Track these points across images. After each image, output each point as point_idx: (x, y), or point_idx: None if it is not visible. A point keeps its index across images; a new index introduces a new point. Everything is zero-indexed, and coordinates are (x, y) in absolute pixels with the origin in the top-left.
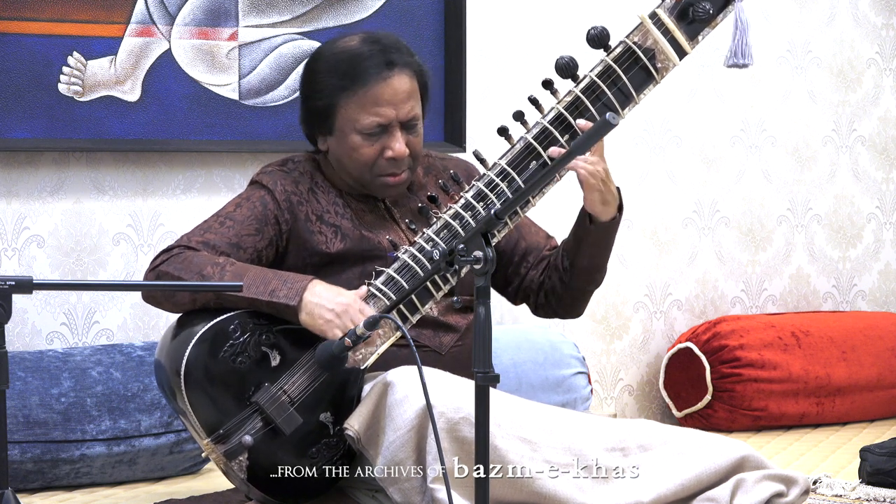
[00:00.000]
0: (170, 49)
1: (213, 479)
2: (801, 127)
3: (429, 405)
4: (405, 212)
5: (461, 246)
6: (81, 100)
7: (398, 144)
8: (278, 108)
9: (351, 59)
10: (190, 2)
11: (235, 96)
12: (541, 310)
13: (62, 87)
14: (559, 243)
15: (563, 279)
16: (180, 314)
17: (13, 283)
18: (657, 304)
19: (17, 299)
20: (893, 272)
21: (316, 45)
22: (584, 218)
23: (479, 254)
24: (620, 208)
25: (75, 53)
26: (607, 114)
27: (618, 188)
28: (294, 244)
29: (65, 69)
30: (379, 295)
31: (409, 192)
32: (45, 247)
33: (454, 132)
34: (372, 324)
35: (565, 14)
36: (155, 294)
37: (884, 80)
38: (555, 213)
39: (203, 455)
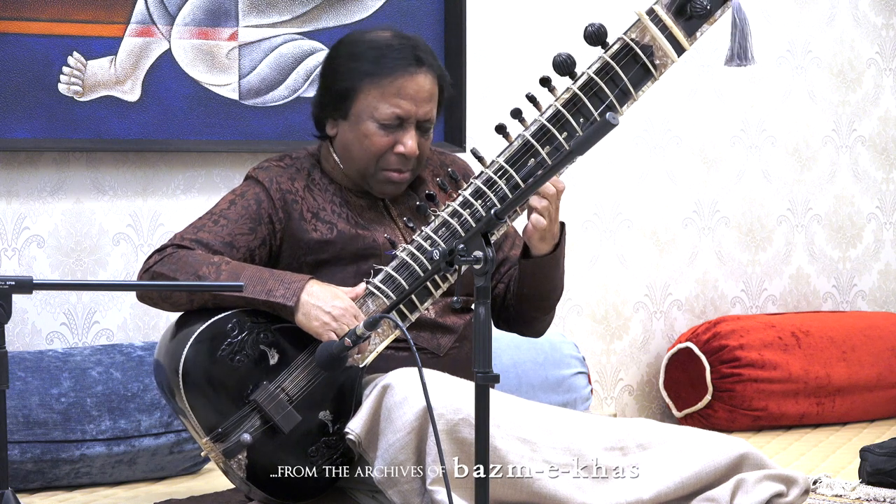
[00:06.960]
0: (170, 49)
1: (213, 479)
2: (801, 127)
3: (429, 407)
4: (404, 210)
5: (461, 246)
6: (81, 100)
7: (410, 142)
8: (278, 108)
9: (380, 48)
10: (190, 2)
11: (235, 96)
12: (502, 323)
13: (62, 87)
14: None
15: (514, 302)
16: (179, 314)
17: (13, 283)
18: (657, 304)
19: (17, 299)
20: (893, 272)
21: (316, 45)
22: (523, 250)
23: (479, 254)
24: (558, 245)
25: (75, 53)
26: (607, 114)
27: (562, 224)
28: (288, 243)
29: (65, 69)
30: (377, 293)
31: (410, 189)
32: (45, 247)
33: (454, 132)
34: (372, 324)
35: (565, 14)
36: (151, 293)
37: (884, 80)
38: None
39: (202, 454)
